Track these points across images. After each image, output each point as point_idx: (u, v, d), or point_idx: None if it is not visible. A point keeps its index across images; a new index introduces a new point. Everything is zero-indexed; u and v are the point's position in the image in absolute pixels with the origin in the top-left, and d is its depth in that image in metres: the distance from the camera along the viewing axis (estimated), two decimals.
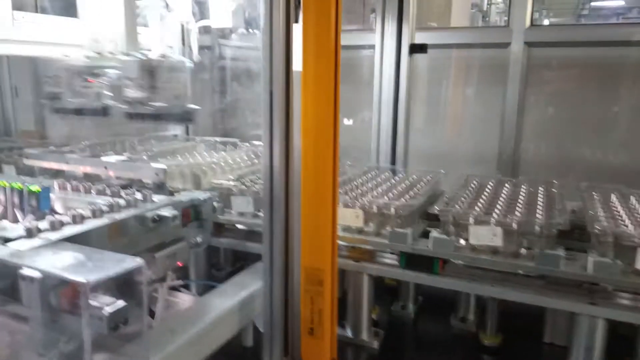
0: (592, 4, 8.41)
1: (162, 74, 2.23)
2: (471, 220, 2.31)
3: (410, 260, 2.48)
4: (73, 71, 2.30)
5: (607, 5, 8.27)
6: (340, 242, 2.59)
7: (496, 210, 2.41)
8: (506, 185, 2.95)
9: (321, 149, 1.83)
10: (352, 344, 2.70)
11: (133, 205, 1.94)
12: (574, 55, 3.60)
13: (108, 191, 2.10)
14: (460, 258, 2.39)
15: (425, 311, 3.09)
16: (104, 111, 2.36)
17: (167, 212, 1.94)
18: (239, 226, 2.89)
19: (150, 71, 2.20)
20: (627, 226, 2.23)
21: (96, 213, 1.79)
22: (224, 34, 4.39)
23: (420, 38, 3.55)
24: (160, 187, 2.72)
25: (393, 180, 3.07)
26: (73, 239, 1.61)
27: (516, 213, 2.38)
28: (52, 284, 1.33)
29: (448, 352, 2.77)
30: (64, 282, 1.31)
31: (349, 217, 2.55)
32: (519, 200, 2.59)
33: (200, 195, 2.24)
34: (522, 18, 3.51)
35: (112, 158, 2.88)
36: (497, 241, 2.26)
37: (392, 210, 2.50)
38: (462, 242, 2.40)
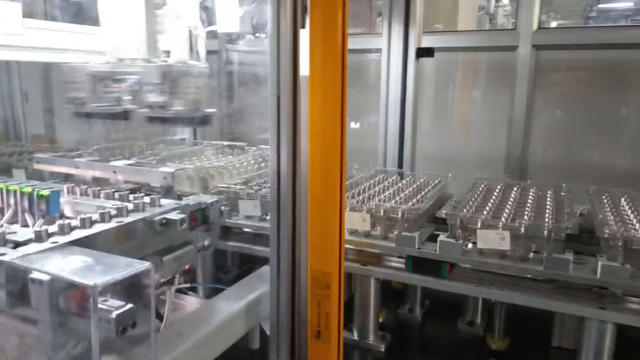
0: (600, 5, 8.35)
1: (181, 79, 2.31)
2: (479, 224, 2.30)
3: (417, 264, 2.47)
4: (96, 77, 2.39)
5: (616, 7, 8.21)
6: (348, 246, 2.59)
7: (504, 214, 2.41)
8: (514, 188, 2.94)
9: (328, 153, 1.84)
10: (359, 348, 2.70)
11: (141, 209, 1.95)
12: (582, 57, 3.58)
13: (116, 195, 2.12)
14: (467, 262, 2.39)
15: (433, 314, 3.08)
16: (125, 115, 2.45)
17: (174, 216, 1.95)
18: (246, 229, 2.90)
19: (169, 76, 2.28)
20: (636, 230, 2.22)
21: (105, 217, 1.80)
22: (232, 39, 4.41)
23: (427, 41, 3.55)
24: (168, 191, 2.75)
25: (400, 184, 3.07)
26: (82, 243, 1.63)
27: (524, 217, 2.37)
28: (61, 287, 1.34)
29: (455, 356, 2.76)
30: (72, 286, 1.32)
31: (356, 220, 2.56)
32: (527, 204, 2.58)
33: (208, 199, 2.26)
34: (530, 21, 3.49)
35: (120, 162, 2.91)
36: (505, 245, 2.25)
37: (399, 213, 2.50)
38: (470, 245, 2.40)
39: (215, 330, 2.05)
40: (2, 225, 1.85)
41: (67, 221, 1.69)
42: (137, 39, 2.35)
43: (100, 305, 1.30)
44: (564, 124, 3.64)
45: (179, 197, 2.47)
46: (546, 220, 2.35)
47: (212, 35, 3.60)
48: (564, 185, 2.93)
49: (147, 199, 2.03)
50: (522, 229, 2.24)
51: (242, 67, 4.46)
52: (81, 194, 2.17)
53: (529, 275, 2.32)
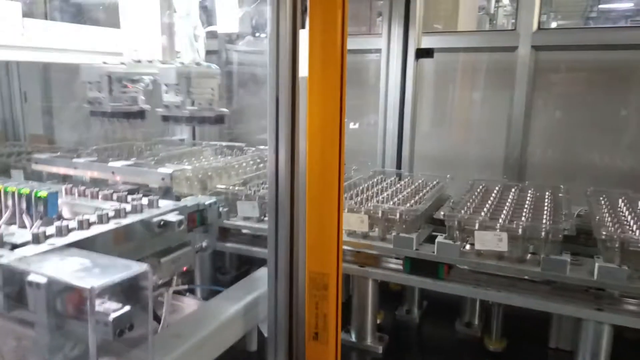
0: (601, 6, 8.33)
1: (195, 80, 2.38)
2: (477, 225, 2.30)
3: (415, 265, 2.48)
4: (113, 77, 2.48)
5: (616, 7, 8.20)
6: (345, 247, 2.60)
7: (502, 215, 2.41)
8: (512, 189, 2.94)
9: (327, 154, 1.84)
10: (357, 349, 2.70)
11: (139, 211, 1.95)
12: (582, 58, 3.58)
13: (114, 196, 2.12)
14: (465, 263, 2.39)
15: (430, 316, 3.08)
16: (141, 114, 2.57)
17: (172, 217, 1.95)
18: (245, 231, 2.90)
19: (185, 77, 2.35)
20: (634, 231, 2.22)
21: (102, 218, 1.80)
22: (231, 39, 4.41)
23: (426, 42, 3.55)
24: (166, 192, 2.74)
25: (399, 185, 3.07)
26: (79, 245, 1.63)
27: (522, 218, 2.38)
28: (58, 290, 1.34)
29: (453, 357, 2.76)
30: (69, 288, 1.32)
31: (354, 221, 2.56)
32: (525, 205, 2.58)
33: (206, 200, 2.25)
34: (530, 21, 3.49)
35: (119, 163, 2.91)
36: (503, 246, 2.26)
37: (397, 215, 2.50)
38: (468, 247, 2.40)
39: (213, 332, 2.05)
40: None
41: (65, 223, 1.69)
42: (154, 41, 2.44)
43: (97, 308, 1.30)
44: (563, 125, 3.64)
45: (177, 198, 2.47)
46: (544, 221, 2.35)
47: (211, 35, 3.60)
48: (561, 186, 2.93)
49: (145, 200, 2.03)
50: (520, 231, 2.24)
51: (241, 68, 4.46)
52: (79, 195, 2.16)
53: (526, 277, 2.33)
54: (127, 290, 1.40)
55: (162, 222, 1.91)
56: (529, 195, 2.80)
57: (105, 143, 3.59)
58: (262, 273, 2.44)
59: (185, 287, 2.28)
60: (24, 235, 1.63)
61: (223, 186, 2.89)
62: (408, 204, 2.66)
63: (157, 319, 2.08)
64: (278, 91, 1.86)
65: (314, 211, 1.91)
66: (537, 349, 2.69)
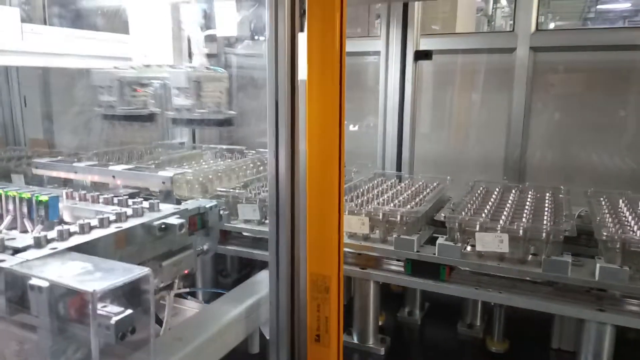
0: (599, 7, 8.35)
1: (205, 83, 2.48)
2: (477, 226, 2.31)
3: (417, 267, 2.48)
4: (123, 82, 2.59)
5: (614, 8, 8.22)
6: (346, 249, 2.60)
7: (502, 216, 2.41)
8: (512, 191, 2.95)
9: (327, 157, 1.84)
10: (359, 351, 2.70)
11: (140, 214, 1.95)
12: (580, 59, 3.59)
13: (115, 200, 2.12)
14: (466, 264, 2.39)
15: (432, 317, 3.08)
16: (151, 118, 2.67)
17: (173, 221, 1.95)
18: (246, 233, 2.90)
19: (195, 81, 2.44)
20: (634, 232, 2.23)
21: (104, 222, 1.80)
22: (230, 42, 4.41)
23: (425, 44, 3.56)
24: (167, 196, 2.75)
25: (399, 187, 3.07)
26: (81, 249, 1.63)
27: (523, 219, 2.38)
28: (60, 293, 1.34)
29: (455, 359, 2.76)
30: (71, 292, 1.32)
31: (354, 224, 2.56)
32: (526, 207, 2.58)
33: (207, 203, 2.26)
34: (528, 23, 3.50)
35: (119, 167, 2.92)
36: (504, 247, 2.26)
37: (398, 217, 2.51)
38: (469, 248, 2.40)
39: (215, 335, 2.05)
40: (1, 231, 1.85)
41: (66, 227, 1.69)
42: (164, 46, 2.53)
43: (99, 311, 1.30)
44: (562, 125, 3.65)
45: (178, 202, 2.47)
46: (544, 222, 2.35)
47: (210, 39, 3.61)
48: (562, 187, 2.93)
49: (146, 204, 2.03)
50: (521, 232, 2.25)
51: (240, 71, 4.46)
52: (80, 199, 2.17)
53: (527, 278, 2.33)
54: (129, 294, 1.40)
55: (163, 226, 1.91)
56: (529, 196, 2.80)
57: (106, 147, 3.59)
58: (264, 276, 2.44)
59: (187, 290, 2.29)
60: (26, 239, 1.63)
61: (224, 189, 2.89)
62: (409, 206, 2.66)
63: (158, 322, 2.08)
64: (277, 94, 1.87)
65: (314, 213, 1.91)
66: (539, 350, 2.69)
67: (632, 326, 2.13)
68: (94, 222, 1.78)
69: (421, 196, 2.87)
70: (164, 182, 2.76)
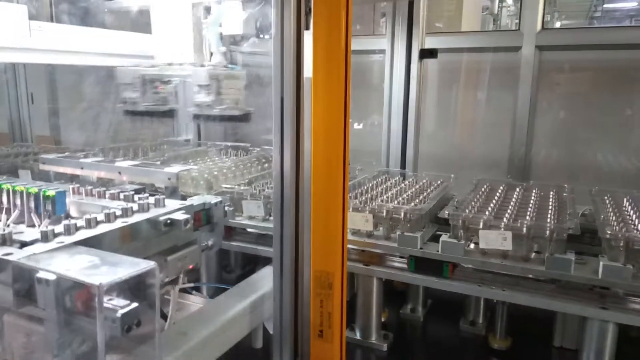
0: (605, 5, 8.32)
1: (223, 81, 2.58)
2: (481, 224, 2.31)
3: (420, 264, 2.49)
4: (146, 79, 2.70)
5: (620, 7, 8.18)
6: (350, 246, 2.61)
7: (506, 214, 2.42)
8: (516, 189, 2.95)
9: (331, 154, 1.85)
10: (362, 347, 2.72)
11: (146, 210, 1.97)
12: (586, 58, 3.58)
13: (121, 196, 2.14)
14: (470, 262, 2.40)
15: (435, 314, 3.09)
16: (170, 113, 2.80)
17: (179, 216, 1.97)
18: (250, 230, 2.92)
19: (215, 78, 2.54)
20: (638, 230, 2.23)
21: (110, 217, 1.82)
22: (236, 40, 4.42)
23: (430, 42, 3.56)
24: (173, 192, 2.77)
25: (403, 184, 3.08)
26: (87, 243, 1.64)
27: (526, 217, 2.38)
28: (67, 287, 1.36)
29: (457, 356, 2.77)
30: (78, 285, 1.34)
31: (358, 221, 2.57)
32: (530, 204, 2.58)
33: (212, 199, 2.27)
34: (533, 21, 3.50)
35: (125, 163, 2.94)
36: (507, 245, 2.26)
37: (402, 214, 2.51)
38: (472, 246, 2.41)
39: (219, 330, 2.06)
40: (9, 225, 1.87)
41: (72, 221, 1.70)
42: (185, 44, 2.62)
43: (105, 304, 1.31)
44: (567, 124, 3.64)
45: (184, 198, 2.49)
46: (548, 220, 2.35)
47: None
48: (566, 185, 2.93)
49: (151, 200, 2.05)
50: (524, 229, 2.25)
51: (246, 69, 4.47)
52: (86, 195, 2.18)
53: (530, 275, 2.33)
54: (135, 288, 1.41)
55: (168, 221, 1.93)
56: (533, 194, 2.80)
57: (112, 143, 3.61)
58: (268, 271, 2.46)
59: (192, 285, 2.30)
60: (33, 233, 1.65)
61: (229, 186, 2.91)
62: (412, 203, 2.67)
63: (163, 316, 2.09)
64: (283, 92, 1.88)
65: (318, 210, 1.92)
66: (542, 347, 2.70)
67: (635, 324, 2.14)
68: (100, 217, 1.80)
69: (425, 194, 2.88)
70: (169, 179, 2.78)
